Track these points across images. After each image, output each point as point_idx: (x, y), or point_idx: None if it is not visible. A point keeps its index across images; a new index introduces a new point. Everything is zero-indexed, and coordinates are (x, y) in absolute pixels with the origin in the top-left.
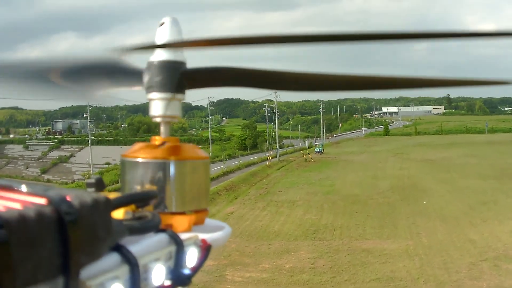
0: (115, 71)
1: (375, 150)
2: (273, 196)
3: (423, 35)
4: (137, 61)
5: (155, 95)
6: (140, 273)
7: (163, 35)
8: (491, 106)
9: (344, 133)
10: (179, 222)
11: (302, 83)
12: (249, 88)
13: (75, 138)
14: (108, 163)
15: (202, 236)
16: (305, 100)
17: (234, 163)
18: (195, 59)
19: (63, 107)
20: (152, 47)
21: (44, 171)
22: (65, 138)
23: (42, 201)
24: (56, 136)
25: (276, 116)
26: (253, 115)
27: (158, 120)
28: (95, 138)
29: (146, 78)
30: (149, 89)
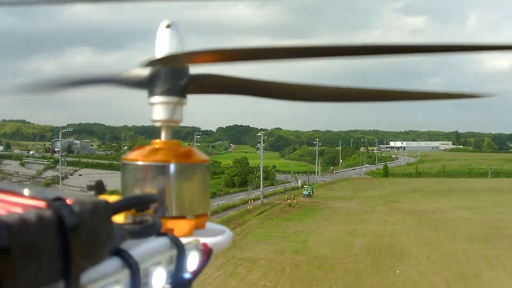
0: (118, 76)
1: (366, 196)
2: (237, 251)
3: (438, 48)
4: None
5: (156, 99)
6: (140, 277)
7: (164, 39)
8: (500, 143)
9: (344, 170)
10: (180, 226)
11: (300, 94)
12: (250, 97)
13: (71, 159)
14: None
15: (203, 240)
16: (314, 130)
17: (216, 203)
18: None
19: (70, 124)
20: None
21: None
22: (62, 159)
23: (42, 205)
24: (53, 155)
25: (261, 154)
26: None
27: (159, 124)
28: (93, 161)
29: (148, 82)
30: (151, 93)
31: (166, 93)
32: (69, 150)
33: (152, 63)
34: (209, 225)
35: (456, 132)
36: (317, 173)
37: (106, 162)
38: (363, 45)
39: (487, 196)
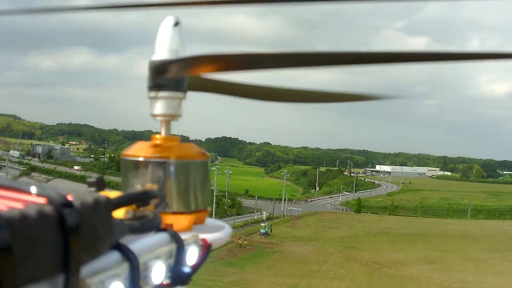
0: None
1: (327, 238)
2: None
3: (430, 57)
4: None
5: (155, 94)
6: (140, 271)
7: (171, 37)
8: (490, 170)
9: (321, 198)
10: (180, 222)
11: (290, 62)
12: (249, 71)
13: (47, 168)
14: None
15: (202, 235)
16: (303, 147)
17: None
18: None
19: (61, 123)
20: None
21: None
22: (36, 165)
23: (43, 200)
24: (29, 161)
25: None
26: (248, 157)
27: (159, 119)
28: (66, 171)
29: (147, 76)
30: (150, 87)
31: (167, 87)
32: (48, 155)
33: (151, 59)
34: (209, 220)
35: (444, 158)
36: (284, 201)
37: (78, 174)
38: (366, 52)
39: (457, 245)
